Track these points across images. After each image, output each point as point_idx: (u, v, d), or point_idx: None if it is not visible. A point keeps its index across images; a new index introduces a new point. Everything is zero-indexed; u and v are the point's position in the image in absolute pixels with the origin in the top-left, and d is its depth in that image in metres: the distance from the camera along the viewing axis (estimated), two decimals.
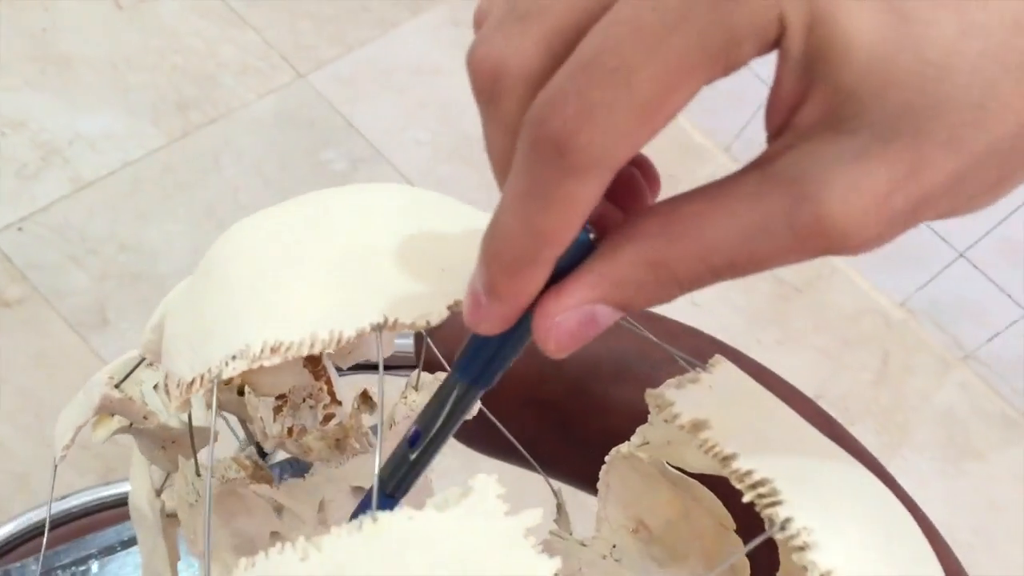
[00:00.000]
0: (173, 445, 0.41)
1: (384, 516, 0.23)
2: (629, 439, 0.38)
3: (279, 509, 0.38)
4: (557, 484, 0.44)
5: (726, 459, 0.26)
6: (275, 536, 0.38)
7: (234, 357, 0.27)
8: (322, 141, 1.70)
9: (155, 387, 0.37)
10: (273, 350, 0.27)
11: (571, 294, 0.22)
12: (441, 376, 0.43)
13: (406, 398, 0.39)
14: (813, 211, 0.19)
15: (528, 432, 0.57)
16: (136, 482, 0.43)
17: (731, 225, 0.20)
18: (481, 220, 0.32)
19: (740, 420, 0.28)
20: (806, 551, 0.24)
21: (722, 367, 0.30)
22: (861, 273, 1.86)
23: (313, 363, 0.38)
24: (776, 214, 0.20)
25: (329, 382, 0.39)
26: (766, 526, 0.25)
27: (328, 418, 0.38)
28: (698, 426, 0.27)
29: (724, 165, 1.85)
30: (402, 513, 0.23)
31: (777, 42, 0.20)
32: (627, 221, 0.22)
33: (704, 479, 0.37)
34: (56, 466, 0.36)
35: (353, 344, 0.37)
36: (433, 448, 0.28)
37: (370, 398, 0.43)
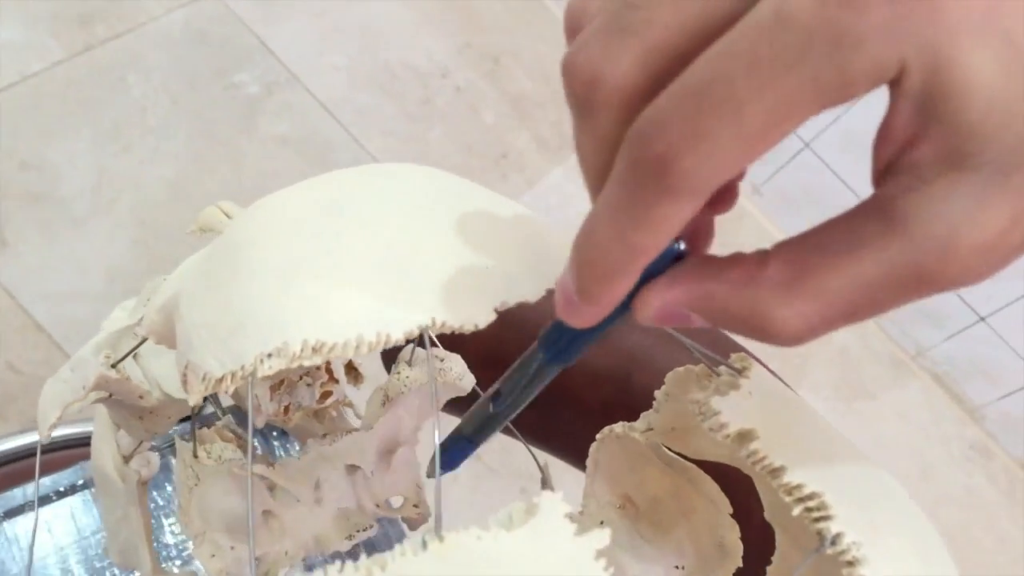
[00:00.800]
0: (151, 415, 0.39)
1: (451, 535, 0.23)
2: (616, 407, 0.38)
3: (272, 488, 0.37)
4: (543, 458, 0.45)
5: (775, 472, 0.26)
6: (267, 515, 0.37)
7: (270, 355, 0.26)
8: (235, 62, 1.64)
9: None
10: (315, 350, 0.26)
11: (675, 294, 0.23)
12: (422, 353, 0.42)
13: (399, 374, 0.39)
14: (942, 258, 0.19)
15: (550, 413, 0.56)
16: (102, 448, 0.41)
17: (856, 277, 0.20)
18: (508, 207, 0.32)
19: (781, 428, 0.28)
20: (856, 566, 0.25)
21: (755, 369, 0.30)
22: (768, 217, 1.90)
23: None
24: (905, 264, 0.20)
25: (329, 364, 0.37)
26: (814, 540, 0.26)
27: (325, 396, 0.37)
28: (745, 437, 0.27)
29: None
30: (469, 533, 0.23)
31: (893, 81, 0.20)
32: (752, 259, 0.22)
33: (702, 466, 0.38)
34: (40, 446, 0.34)
35: None
36: (511, 409, 0.30)
37: (355, 369, 0.42)
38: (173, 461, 0.55)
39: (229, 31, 1.64)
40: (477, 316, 0.27)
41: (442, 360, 0.39)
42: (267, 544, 0.37)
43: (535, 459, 0.44)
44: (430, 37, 1.76)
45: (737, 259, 0.23)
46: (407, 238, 0.28)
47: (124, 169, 1.50)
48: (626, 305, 0.24)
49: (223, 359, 0.27)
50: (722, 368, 0.31)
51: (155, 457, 0.42)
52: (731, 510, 0.38)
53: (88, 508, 0.59)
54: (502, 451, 1.35)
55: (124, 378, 0.33)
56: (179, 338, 0.30)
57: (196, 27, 1.63)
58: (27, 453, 0.69)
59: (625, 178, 0.21)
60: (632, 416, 0.39)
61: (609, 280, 0.23)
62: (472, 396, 0.40)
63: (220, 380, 0.27)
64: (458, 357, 0.39)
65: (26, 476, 0.63)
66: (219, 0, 1.65)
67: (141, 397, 0.34)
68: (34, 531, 0.55)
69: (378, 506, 0.39)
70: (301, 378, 0.37)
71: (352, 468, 0.38)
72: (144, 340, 0.33)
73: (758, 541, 0.37)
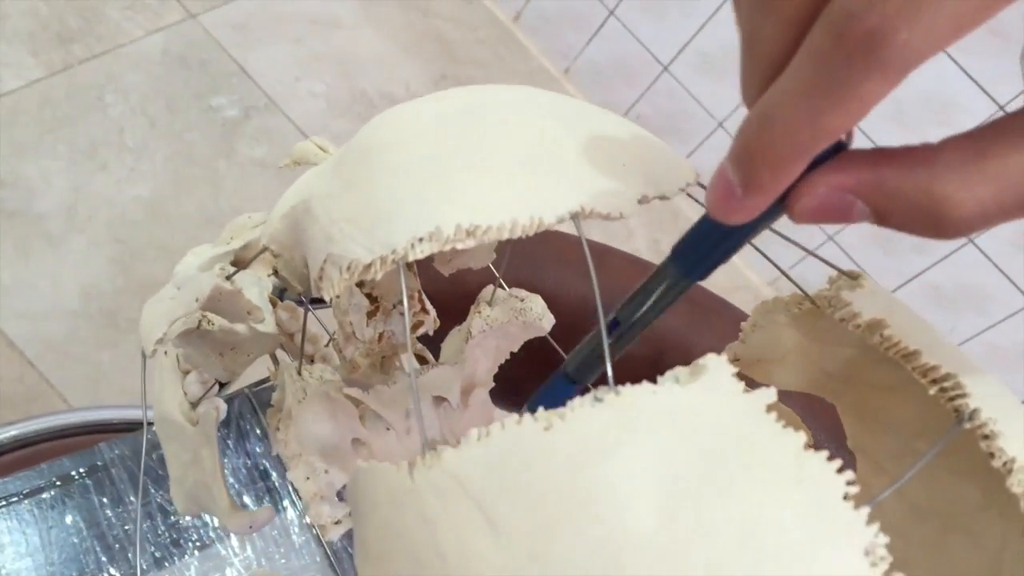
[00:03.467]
0: (232, 352, 0.39)
1: (625, 389, 0.24)
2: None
3: (362, 416, 0.37)
4: None
5: (909, 355, 0.28)
6: (356, 443, 0.37)
7: (421, 239, 0.27)
8: (212, 86, 1.64)
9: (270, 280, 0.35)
10: (468, 232, 0.27)
11: (844, 179, 0.23)
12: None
13: (480, 312, 0.39)
14: None
15: (515, 371, 0.57)
16: (168, 395, 0.41)
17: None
18: (627, 125, 0.33)
19: (904, 323, 0.29)
20: (993, 440, 0.26)
21: (868, 279, 0.32)
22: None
23: (409, 268, 0.37)
24: None
25: (420, 290, 0.38)
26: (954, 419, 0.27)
27: (417, 326, 0.38)
28: (876, 325, 0.29)
29: None
30: (642, 388, 0.24)
31: None
32: (924, 147, 0.23)
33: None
34: (146, 360, 0.34)
35: (457, 251, 0.37)
36: (631, 336, 0.29)
37: (434, 318, 0.42)
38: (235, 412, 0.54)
39: (208, 55, 1.65)
40: (623, 206, 0.28)
41: (522, 300, 0.40)
42: None
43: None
44: (407, 67, 1.78)
45: (907, 148, 0.23)
46: (547, 137, 0.29)
47: (100, 188, 1.48)
48: (780, 202, 0.24)
49: (371, 246, 0.28)
50: (838, 276, 0.32)
51: (223, 403, 0.42)
52: (811, 441, 0.39)
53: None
54: None
55: (238, 291, 0.33)
56: (313, 239, 0.30)
57: (175, 50, 1.63)
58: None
59: (826, 55, 0.21)
60: None
61: (785, 165, 0.22)
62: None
63: (368, 267, 0.27)
64: (538, 297, 0.40)
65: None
66: (198, 24, 1.66)
67: (250, 313, 0.34)
68: None
69: (459, 441, 0.39)
70: (395, 307, 0.38)
71: (439, 400, 0.38)
72: (263, 250, 0.34)
73: None
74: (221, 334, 0.38)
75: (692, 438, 0.23)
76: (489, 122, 0.29)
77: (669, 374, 0.24)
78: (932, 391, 0.27)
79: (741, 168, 0.23)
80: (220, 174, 1.56)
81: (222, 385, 0.44)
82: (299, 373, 0.35)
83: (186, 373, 0.41)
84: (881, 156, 0.23)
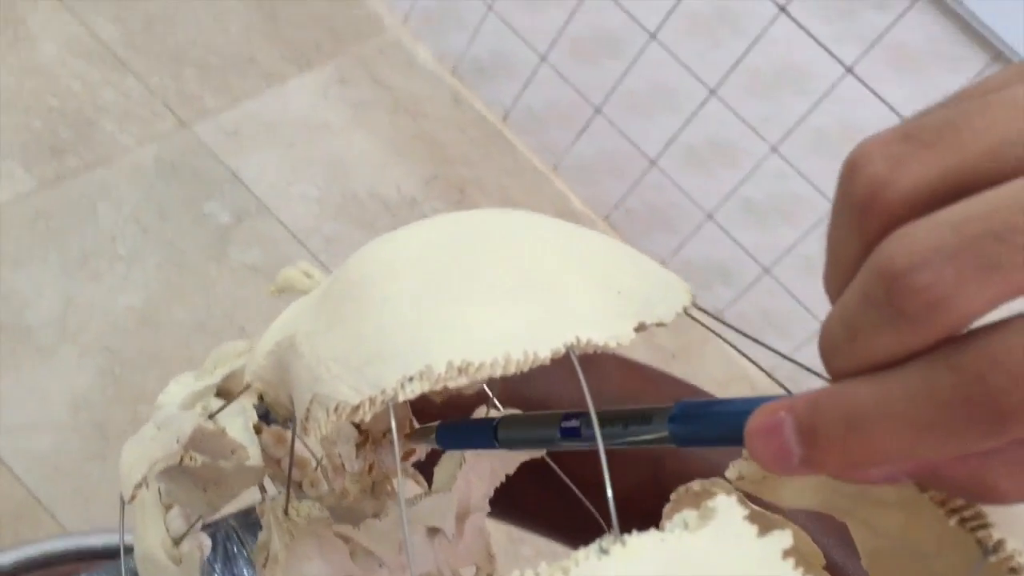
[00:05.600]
0: (216, 487, 0.38)
1: (632, 539, 0.22)
2: (645, 492, 0.38)
3: (353, 552, 0.35)
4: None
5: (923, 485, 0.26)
6: None
7: (412, 379, 0.26)
8: (205, 192, 1.65)
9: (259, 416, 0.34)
10: (460, 370, 0.26)
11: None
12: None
13: None
14: None
15: (510, 482, 0.56)
16: (149, 531, 0.40)
17: None
18: (619, 243, 0.32)
19: None
20: (1021, 573, 0.25)
21: None
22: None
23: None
24: None
25: (410, 416, 0.37)
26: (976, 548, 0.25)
27: (408, 455, 0.37)
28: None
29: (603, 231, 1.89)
30: (650, 536, 0.22)
31: None
32: None
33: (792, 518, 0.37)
34: (124, 505, 0.33)
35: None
36: (575, 448, 0.28)
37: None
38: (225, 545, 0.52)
39: (200, 162, 1.66)
40: (620, 335, 0.27)
41: None
42: None
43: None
44: (398, 169, 1.80)
45: None
46: (539, 266, 0.28)
47: (92, 297, 1.47)
48: None
49: (359, 386, 0.27)
50: None
51: (207, 539, 0.40)
52: (824, 562, 0.37)
53: None
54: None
55: (220, 431, 0.32)
56: (299, 378, 0.29)
57: (167, 159, 1.64)
58: None
59: (955, 407, 0.20)
60: (661, 502, 0.39)
61: (859, 469, 0.23)
62: None
63: (356, 408, 0.26)
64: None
65: None
66: (191, 132, 1.67)
67: (233, 452, 0.33)
68: None
69: (454, 574, 0.37)
70: (384, 435, 0.36)
71: (433, 531, 0.37)
72: (246, 387, 0.32)
73: None
74: (204, 470, 0.36)
75: None
76: (478, 251, 0.29)
77: (677, 518, 0.23)
78: (952, 522, 0.26)
79: (810, 448, 0.23)
80: (212, 279, 1.55)
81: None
82: (286, 513, 0.33)
83: (168, 508, 0.40)
84: None
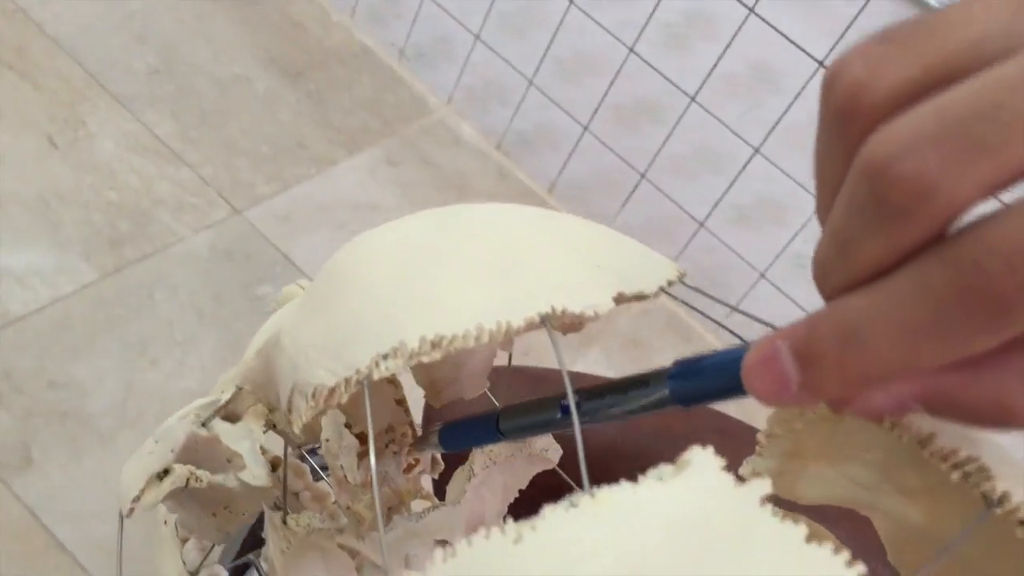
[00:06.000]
0: (225, 511, 0.38)
1: (601, 491, 0.21)
2: None
3: (359, 566, 0.35)
4: None
5: (924, 440, 0.25)
6: None
7: (386, 356, 0.26)
8: (258, 276, 1.68)
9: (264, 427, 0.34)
10: (434, 344, 0.25)
11: (907, 385, 0.22)
12: None
13: (482, 447, 0.37)
14: None
15: (524, 497, 0.54)
16: (167, 565, 0.39)
17: None
18: (603, 230, 0.32)
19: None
20: None
21: None
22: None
23: (398, 401, 0.36)
24: None
25: (413, 426, 0.36)
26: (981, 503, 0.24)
27: (411, 467, 0.36)
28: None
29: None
30: (621, 488, 0.22)
31: None
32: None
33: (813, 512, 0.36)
34: (123, 520, 0.33)
35: (447, 381, 0.35)
36: (581, 425, 0.27)
37: (435, 458, 0.40)
38: None
39: (253, 247, 1.70)
40: (598, 303, 0.26)
41: None
42: None
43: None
44: None
45: None
46: (517, 245, 0.28)
47: (151, 383, 1.50)
48: None
49: (335, 368, 0.26)
50: None
51: (223, 572, 0.40)
52: (848, 558, 0.35)
53: None
54: None
55: (214, 438, 0.32)
56: (282, 371, 0.29)
57: (222, 245, 1.68)
58: None
59: (944, 301, 0.19)
60: None
61: (859, 386, 0.21)
62: None
63: (332, 391, 0.26)
64: None
65: None
66: (244, 219, 1.72)
67: (230, 461, 0.33)
68: None
69: None
70: (387, 446, 0.36)
71: (441, 543, 0.36)
72: (239, 390, 0.32)
73: None
74: (211, 492, 0.36)
75: (677, 538, 0.21)
76: (456, 236, 0.28)
77: (652, 472, 0.22)
78: (955, 476, 0.24)
79: (807, 371, 0.22)
80: None
81: (238, 553, 0.42)
82: (284, 522, 0.33)
83: (184, 541, 0.40)
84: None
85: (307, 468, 0.40)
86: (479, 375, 0.36)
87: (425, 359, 0.25)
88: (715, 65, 1.62)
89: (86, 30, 1.81)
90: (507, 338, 0.25)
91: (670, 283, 0.29)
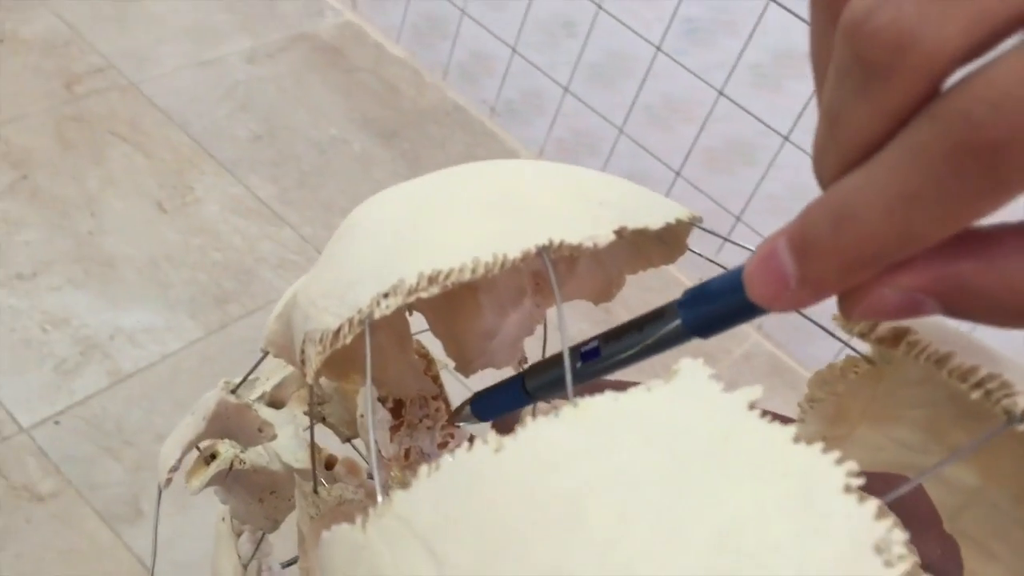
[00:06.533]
0: (272, 496, 0.38)
1: (584, 400, 0.21)
2: None
3: None
4: None
5: (942, 359, 0.24)
6: None
7: (386, 295, 0.26)
8: None
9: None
10: (431, 279, 0.25)
11: (918, 275, 0.20)
12: None
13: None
14: None
15: None
16: (223, 558, 0.40)
17: None
18: (611, 177, 0.31)
19: (933, 331, 0.25)
20: None
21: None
22: None
23: (432, 377, 0.36)
24: None
25: (447, 402, 0.36)
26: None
27: (444, 443, 0.36)
28: (900, 334, 0.25)
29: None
30: (604, 396, 0.21)
31: None
32: (1005, 232, 0.20)
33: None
34: (161, 492, 0.33)
35: (478, 351, 0.35)
36: (606, 370, 0.26)
37: (475, 438, 0.40)
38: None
39: None
40: (597, 235, 0.26)
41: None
42: None
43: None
44: None
45: (980, 234, 0.20)
46: (518, 188, 0.28)
47: None
48: None
49: (340, 311, 0.26)
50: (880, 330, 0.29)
51: (275, 563, 0.40)
52: (839, 455, 0.33)
53: None
54: None
55: (244, 404, 0.32)
56: (296, 326, 0.29)
57: None
58: None
59: (934, 160, 0.18)
60: None
61: (858, 269, 0.20)
62: None
63: (336, 333, 0.26)
64: None
65: None
66: None
67: (261, 430, 0.33)
68: None
69: None
70: (421, 420, 0.36)
71: None
72: (265, 355, 0.33)
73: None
74: (256, 475, 0.37)
75: (660, 441, 0.20)
76: (459, 184, 0.29)
77: (641, 385, 0.21)
78: (976, 395, 0.23)
79: (804, 261, 0.21)
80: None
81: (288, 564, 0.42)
82: (315, 491, 0.33)
83: (239, 535, 0.40)
84: (954, 249, 0.20)
85: (362, 468, 0.40)
86: (510, 344, 0.36)
87: (424, 295, 0.25)
88: (806, 104, 1.60)
89: (194, 101, 1.90)
90: (504, 269, 0.25)
91: (679, 221, 0.28)
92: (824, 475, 0.19)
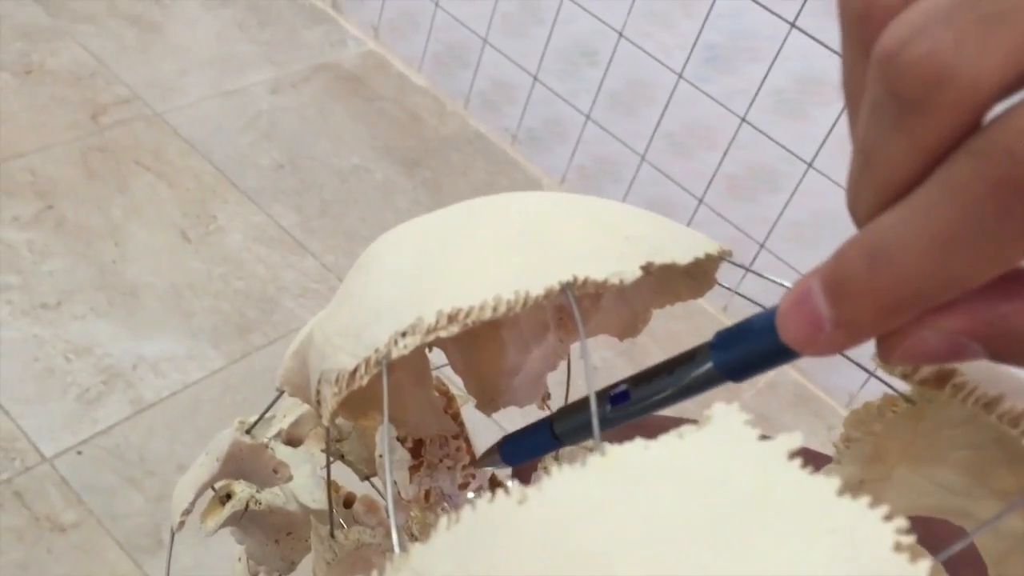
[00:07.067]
0: (288, 538, 0.37)
1: (613, 448, 0.20)
2: None
3: None
4: None
5: (991, 403, 0.22)
6: None
7: (404, 333, 0.25)
8: None
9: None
10: (451, 318, 0.24)
11: (960, 319, 0.19)
12: None
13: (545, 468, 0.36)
14: None
15: None
16: None
17: None
18: (637, 210, 0.30)
19: (980, 371, 0.24)
20: None
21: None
22: None
23: (453, 415, 0.35)
24: None
25: (468, 441, 0.35)
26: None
27: (465, 484, 0.34)
28: (946, 375, 0.24)
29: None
30: (634, 444, 0.20)
31: None
32: None
33: None
34: (173, 534, 0.32)
35: (499, 389, 0.34)
36: (636, 414, 0.25)
37: (499, 482, 0.39)
38: None
39: None
40: (623, 271, 0.25)
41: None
42: None
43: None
44: None
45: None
46: (539, 221, 0.27)
47: None
48: None
49: (356, 351, 0.26)
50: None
51: None
52: (887, 512, 0.32)
53: None
54: None
55: (259, 444, 0.31)
56: (312, 364, 0.28)
57: None
58: None
59: (975, 199, 0.17)
60: None
61: (896, 314, 0.19)
62: None
63: (353, 374, 0.25)
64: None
65: None
66: None
67: (276, 472, 0.32)
68: None
69: None
70: (442, 460, 0.35)
71: None
72: (281, 394, 0.32)
73: None
74: (272, 516, 0.36)
75: (695, 493, 0.19)
76: (479, 218, 0.28)
77: (673, 431, 0.20)
78: (1018, 431, 0.21)
79: (838, 303, 0.20)
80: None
81: None
82: (332, 535, 0.32)
83: (255, 575, 0.39)
84: (999, 290, 0.19)
85: (380, 505, 0.39)
86: (532, 381, 0.34)
87: (443, 334, 0.24)
88: (830, 130, 1.59)
89: (217, 131, 1.91)
90: (526, 307, 0.24)
91: (708, 256, 0.27)
92: (872, 532, 0.17)
